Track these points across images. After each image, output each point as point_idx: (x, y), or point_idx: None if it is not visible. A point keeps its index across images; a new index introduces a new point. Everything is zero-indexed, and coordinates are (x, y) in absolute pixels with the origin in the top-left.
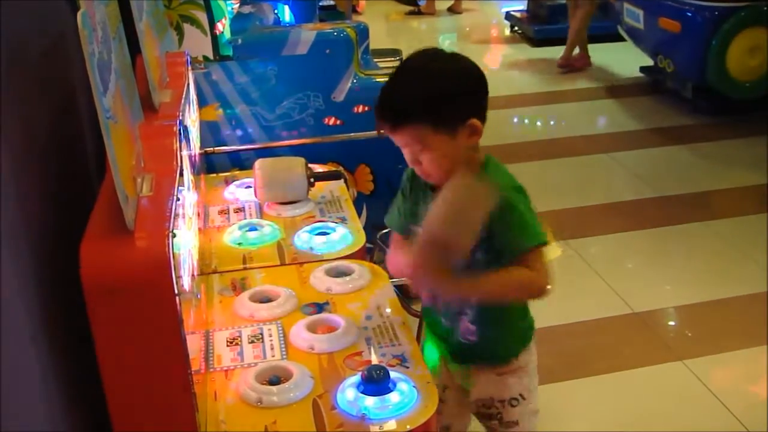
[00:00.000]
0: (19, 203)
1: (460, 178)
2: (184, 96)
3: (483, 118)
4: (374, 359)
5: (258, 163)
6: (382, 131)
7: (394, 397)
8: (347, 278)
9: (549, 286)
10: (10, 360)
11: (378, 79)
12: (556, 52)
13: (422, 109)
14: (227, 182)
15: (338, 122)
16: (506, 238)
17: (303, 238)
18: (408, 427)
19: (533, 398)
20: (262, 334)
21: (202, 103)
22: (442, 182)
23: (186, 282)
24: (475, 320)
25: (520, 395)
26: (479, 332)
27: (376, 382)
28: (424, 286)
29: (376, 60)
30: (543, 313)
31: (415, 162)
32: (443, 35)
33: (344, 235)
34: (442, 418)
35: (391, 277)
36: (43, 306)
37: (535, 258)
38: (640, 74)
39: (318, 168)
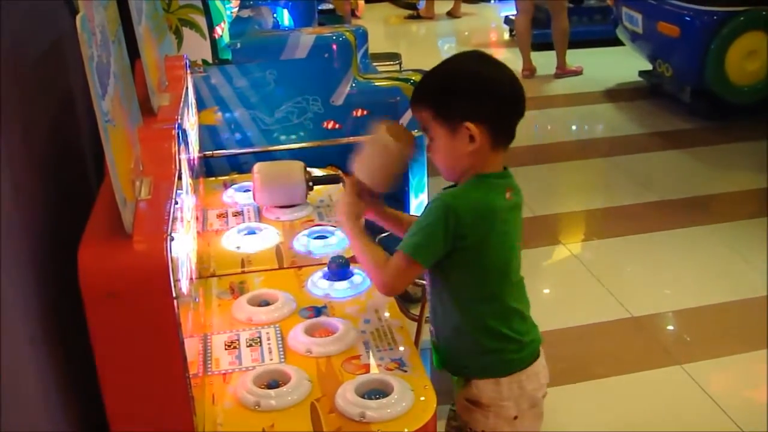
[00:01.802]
0: (17, 206)
1: (377, 131)
2: (182, 100)
3: (490, 127)
4: (372, 363)
5: (257, 167)
6: None
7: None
8: (346, 282)
9: (388, 291)
10: (8, 361)
11: (377, 83)
12: (555, 56)
13: (426, 94)
14: (226, 186)
15: (337, 126)
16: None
17: (301, 242)
18: (405, 430)
19: None
20: (260, 337)
21: (200, 106)
22: (449, 180)
23: (184, 285)
24: (431, 317)
25: None
26: (436, 332)
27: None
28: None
29: (375, 64)
30: (541, 317)
31: (429, 154)
32: (442, 39)
33: (342, 239)
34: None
35: None
36: (41, 308)
37: (396, 261)
38: (639, 78)
39: (317, 172)
